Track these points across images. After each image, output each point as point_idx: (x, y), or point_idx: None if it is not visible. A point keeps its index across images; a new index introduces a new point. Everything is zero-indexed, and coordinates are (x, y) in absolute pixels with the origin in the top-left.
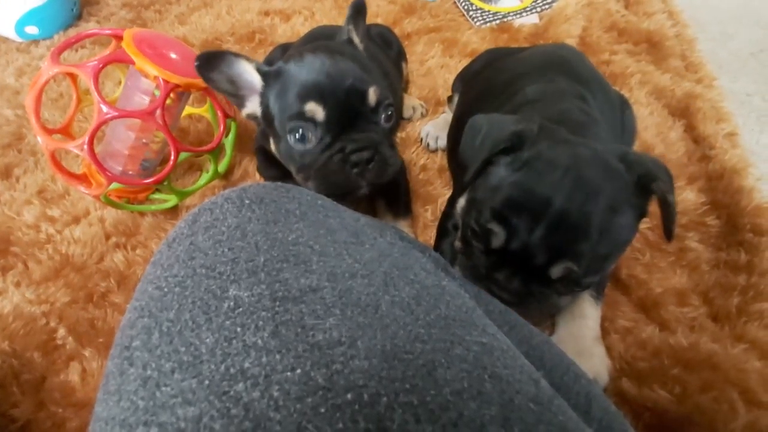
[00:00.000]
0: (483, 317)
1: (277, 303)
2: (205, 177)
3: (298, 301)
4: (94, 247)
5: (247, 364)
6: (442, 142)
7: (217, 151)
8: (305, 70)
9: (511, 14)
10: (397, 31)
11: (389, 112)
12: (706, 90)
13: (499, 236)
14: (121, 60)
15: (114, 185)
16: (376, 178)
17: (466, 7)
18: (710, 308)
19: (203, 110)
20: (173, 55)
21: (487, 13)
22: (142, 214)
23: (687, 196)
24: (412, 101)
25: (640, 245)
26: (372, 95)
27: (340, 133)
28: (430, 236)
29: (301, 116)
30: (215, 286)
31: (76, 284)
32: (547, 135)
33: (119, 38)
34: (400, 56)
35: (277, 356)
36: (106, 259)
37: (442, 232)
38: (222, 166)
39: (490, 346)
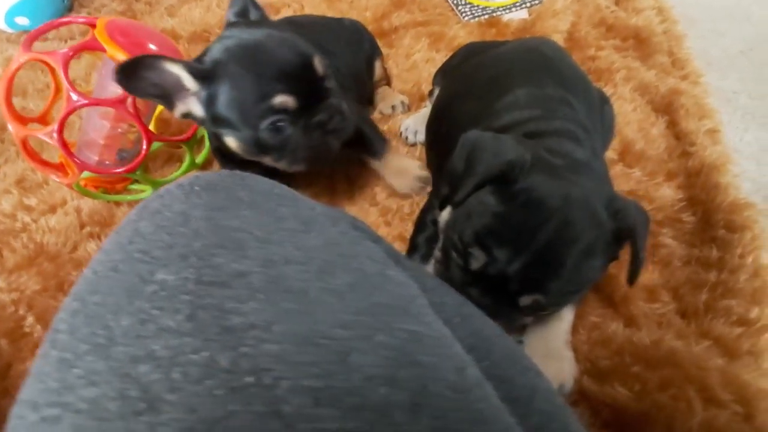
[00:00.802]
0: (424, 307)
1: (201, 287)
2: (181, 168)
3: (224, 286)
4: (68, 236)
5: (155, 347)
6: (421, 136)
7: (192, 142)
8: (248, 61)
9: (501, 9)
10: (384, 24)
11: (330, 71)
12: (690, 86)
13: (478, 260)
14: (92, 48)
15: (87, 174)
16: (345, 135)
17: (455, 2)
18: (680, 304)
19: None
20: (152, 46)
21: (476, 8)
22: (118, 204)
23: (664, 193)
24: (394, 97)
25: None
26: (318, 64)
27: (309, 109)
28: (407, 228)
29: (273, 110)
30: (145, 270)
31: (49, 273)
32: (541, 168)
33: (94, 26)
34: (373, 51)
35: (187, 339)
36: (80, 248)
37: (421, 226)
38: (200, 158)
39: (420, 334)
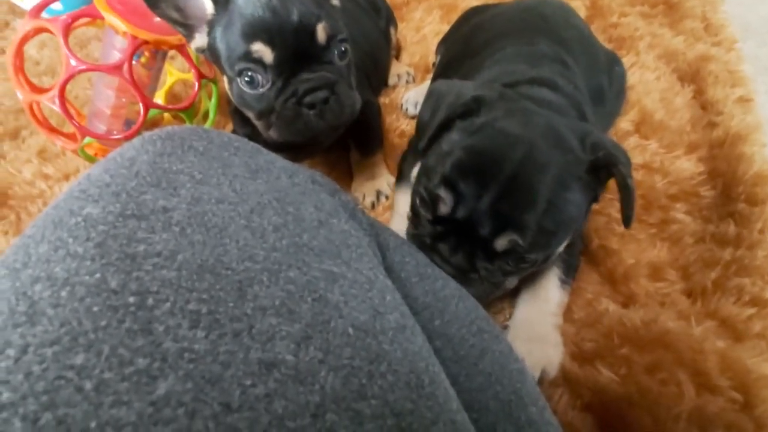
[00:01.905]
0: (362, 255)
1: (120, 219)
2: None
3: (143, 219)
4: None
5: (57, 269)
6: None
7: (191, 112)
8: (248, 6)
9: None
10: None
11: (343, 48)
12: (722, 53)
13: (446, 202)
14: (90, 15)
15: (89, 140)
16: (336, 119)
17: None
18: (687, 284)
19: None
20: (157, 18)
21: None
22: None
23: (682, 165)
24: (399, 68)
25: (618, 214)
26: (321, 31)
27: (291, 75)
28: None
29: (248, 57)
30: (77, 205)
31: None
32: (506, 102)
33: None
34: (389, 22)
35: (87, 262)
36: None
37: (405, 154)
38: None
39: (338, 275)
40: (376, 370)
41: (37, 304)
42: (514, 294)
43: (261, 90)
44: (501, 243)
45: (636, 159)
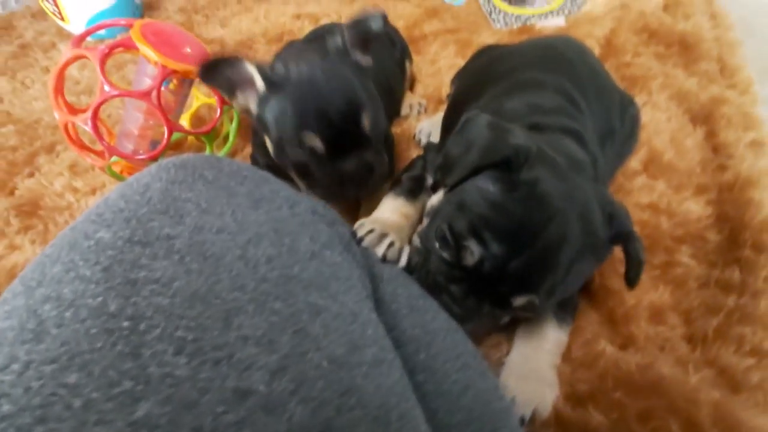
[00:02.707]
0: (350, 288)
1: (128, 245)
2: None
3: (147, 245)
4: None
5: (66, 290)
6: (435, 138)
7: (212, 135)
8: (299, 92)
9: (535, 16)
10: (416, 32)
11: (379, 129)
12: (737, 96)
13: (474, 255)
14: (126, 45)
15: (116, 159)
16: (371, 188)
17: (488, 9)
18: (688, 329)
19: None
20: (188, 49)
21: (509, 16)
22: None
23: (689, 207)
24: (412, 98)
25: (620, 253)
26: (365, 120)
27: (336, 156)
28: None
29: (300, 145)
30: (92, 229)
31: None
32: (545, 162)
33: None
34: (403, 54)
35: (93, 286)
36: None
37: (410, 166)
38: (223, 152)
39: (323, 307)
40: (345, 404)
41: (44, 323)
42: (511, 329)
43: (309, 168)
44: (519, 302)
45: (643, 199)
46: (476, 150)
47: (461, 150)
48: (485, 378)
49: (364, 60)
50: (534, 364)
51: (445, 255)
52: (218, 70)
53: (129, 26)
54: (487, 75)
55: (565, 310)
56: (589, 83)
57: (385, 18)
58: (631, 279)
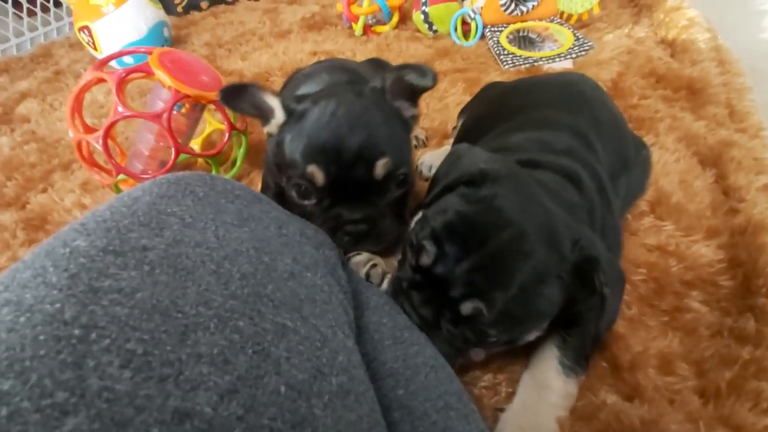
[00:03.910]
0: (326, 311)
1: (101, 254)
2: None
3: (120, 255)
4: None
5: (27, 295)
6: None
7: (218, 158)
8: (318, 124)
9: (544, 59)
10: None
11: (401, 179)
12: (746, 139)
13: (429, 254)
14: (143, 71)
15: (122, 177)
16: (370, 247)
17: (497, 51)
18: (700, 381)
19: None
20: (204, 78)
21: (518, 58)
22: None
23: (699, 251)
24: (414, 131)
25: (628, 297)
26: (380, 168)
27: (339, 200)
28: None
29: (303, 175)
30: (71, 237)
31: None
32: (513, 182)
33: None
34: None
35: (54, 292)
36: None
37: None
38: (229, 175)
39: (290, 329)
40: None
41: None
42: (512, 370)
43: (306, 202)
44: (466, 307)
45: (650, 240)
46: (453, 171)
47: (443, 173)
48: (467, 422)
49: (408, 110)
50: (534, 416)
51: (410, 258)
52: (239, 96)
53: (149, 53)
54: (498, 109)
55: (575, 360)
56: (607, 127)
57: (435, 77)
58: (599, 324)
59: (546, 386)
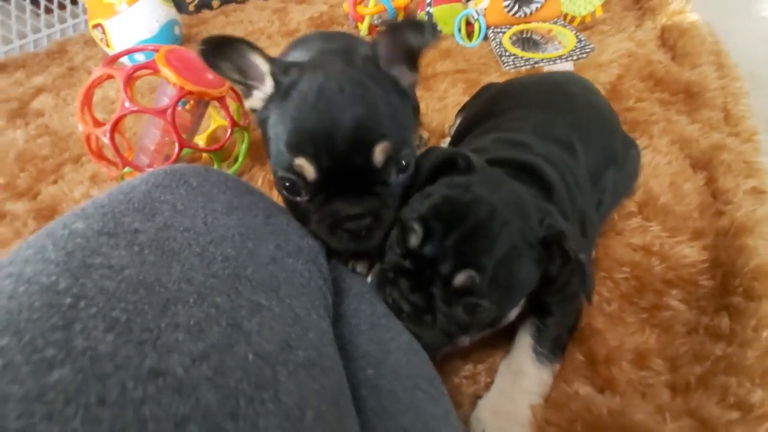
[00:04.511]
0: (300, 294)
1: (96, 235)
2: None
3: (113, 236)
4: None
5: (28, 269)
6: None
7: (220, 154)
8: (304, 104)
9: (545, 60)
10: (428, 71)
11: (403, 163)
12: (738, 143)
13: (417, 234)
14: (150, 68)
15: (128, 170)
16: (373, 243)
17: (499, 52)
18: (673, 376)
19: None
20: (209, 76)
21: (519, 59)
22: None
23: (683, 251)
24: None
25: (609, 294)
26: (379, 154)
27: (335, 193)
28: None
29: (291, 169)
30: (71, 220)
31: None
32: (484, 173)
33: None
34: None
35: (52, 267)
36: None
37: None
38: (232, 170)
39: (264, 307)
40: (258, 396)
41: (0, 296)
42: (491, 362)
43: (299, 199)
44: (460, 278)
45: (635, 240)
46: (425, 166)
47: (426, 164)
48: (436, 403)
49: (407, 77)
50: (510, 402)
51: (397, 247)
52: (223, 52)
53: (156, 51)
54: (488, 109)
55: (549, 348)
56: (590, 120)
57: (435, 31)
58: (585, 292)
59: (521, 373)
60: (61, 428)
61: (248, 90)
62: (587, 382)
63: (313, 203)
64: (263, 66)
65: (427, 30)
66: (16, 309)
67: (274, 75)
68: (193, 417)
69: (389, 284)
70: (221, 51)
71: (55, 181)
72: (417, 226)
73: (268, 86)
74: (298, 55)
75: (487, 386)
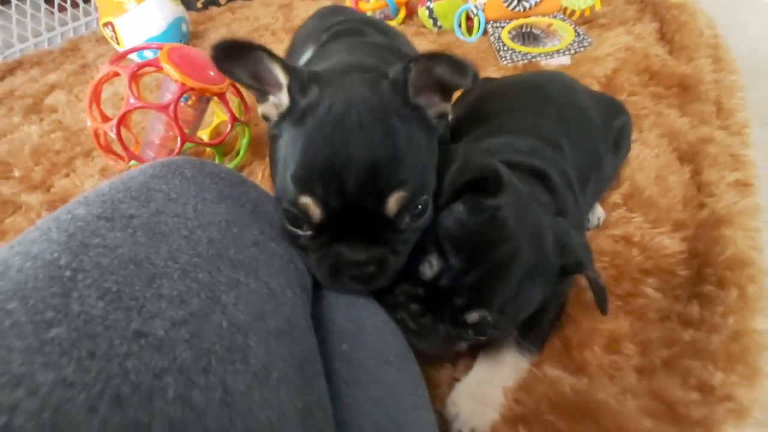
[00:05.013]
0: (278, 273)
1: (95, 219)
2: None
3: (110, 220)
4: None
5: (35, 248)
6: None
7: (221, 148)
8: (318, 133)
9: (542, 55)
10: None
11: (419, 208)
12: (727, 137)
13: (433, 268)
14: (153, 65)
15: (134, 163)
16: (375, 287)
17: (497, 47)
18: (642, 360)
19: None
20: (211, 72)
21: (517, 53)
22: None
23: (663, 242)
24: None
25: (586, 284)
26: (393, 203)
27: (339, 236)
28: None
29: (294, 204)
30: (74, 206)
31: None
32: (511, 190)
33: None
34: None
35: (55, 246)
36: None
37: None
38: (233, 164)
39: (242, 283)
40: (229, 357)
41: (9, 269)
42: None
43: (300, 233)
44: (473, 317)
45: (617, 230)
46: (462, 171)
47: (447, 174)
48: (404, 376)
49: (437, 107)
50: (485, 387)
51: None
52: (238, 58)
53: (160, 49)
54: (475, 114)
55: (531, 341)
56: (573, 120)
57: (476, 75)
58: (601, 307)
59: (500, 361)
60: (56, 375)
61: (263, 96)
62: (560, 366)
63: (315, 241)
64: (281, 77)
65: (469, 74)
66: (23, 280)
67: (291, 92)
68: (170, 370)
69: (399, 307)
70: (236, 56)
71: (68, 175)
72: (434, 260)
73: (284, 99)
74: (325, 65)
75: (466, 369)
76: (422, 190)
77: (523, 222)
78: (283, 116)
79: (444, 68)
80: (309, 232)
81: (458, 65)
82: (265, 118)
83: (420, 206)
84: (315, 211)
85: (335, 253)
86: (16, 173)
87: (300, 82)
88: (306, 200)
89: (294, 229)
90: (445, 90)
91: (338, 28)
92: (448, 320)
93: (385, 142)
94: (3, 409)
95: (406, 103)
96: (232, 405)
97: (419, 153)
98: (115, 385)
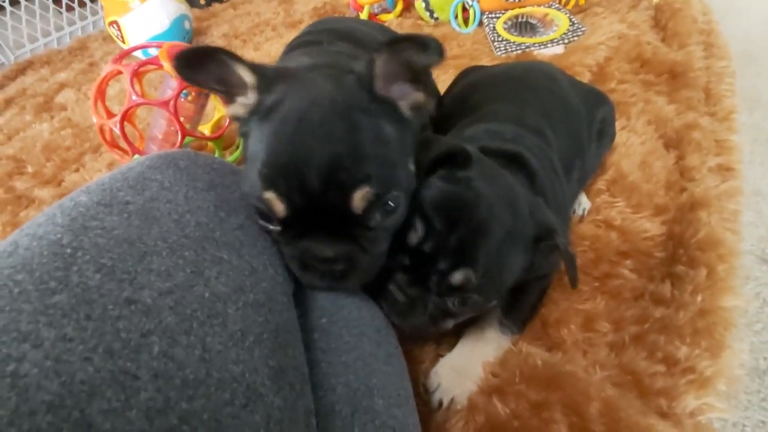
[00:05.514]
0: (260, 253)
1: (95, 205)
2: None
3: (108, 206)
4: None
5: (40, 230)
6: None
7: (220, 141)
8: (281, 131)
9: (536, 45)
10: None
11: (391, 205)
12: (712, 122)
13: (417, 232)
14: (153, 63)
15: (137, 157)
16: (349, 287)
17: (492, 38)
18: (615, 336)
19: None
20: None
21: (511, 44)
22: None
23: (643, 225)
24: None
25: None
26: (359, 200)
27: (307, 232)
28: None
29: (261, 200)
30: (77, 194)
31: None
32: (480, 163)
33: None
34: None
35: (58, 227)
36: None
37: None
38: (232, 158)
39: (225, 260)
40: (208, 321)
41: (18, 248)
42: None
43: (271, 227)
44: (458, 277)
45: (599, 215)
46: (432, 150)
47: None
48: (378, 347)
49: (411, 96)
50: (466, 361)
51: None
52: (200, 65)
53: (159, 47)
54: (460, 106)
55: (514, 321)
56: (555, 109)
57: (441, 50)
58: (571, 278)
59: (483, 339)
60: (57, 332)
61: (230, 98)
62: (539, 344)
63: (284, 236)
64: (247, 77)
65: (432, 48)
66: (30, 256)
67: (258, 89)
68: (156, 331)
69: (387, 278)
70: (199, 63)
71: (77, 170)
72: (419, 224)
73: (251, 98)
74: (297, 61)
75: (450, 346)
76: (390, 186)
77: (495, 187)
78: (252, 114)
79: (407, 51)
80: (278, 228)
81: (419, 42)
82: (236, 118)
83: (391, 202)
84: (279, 206)
85: (303, 248)
86: (29, 169)
87: (266, 79)
88: (270, 195)
89: (265, 224)
90: (414, 75)
91: (297, 41)
92: (434, 288)
93: (346, 138)
94: (12, 358)
95: (372, 97)
96: (210, 360)
97: (387, 148)
98: (108, 341)
